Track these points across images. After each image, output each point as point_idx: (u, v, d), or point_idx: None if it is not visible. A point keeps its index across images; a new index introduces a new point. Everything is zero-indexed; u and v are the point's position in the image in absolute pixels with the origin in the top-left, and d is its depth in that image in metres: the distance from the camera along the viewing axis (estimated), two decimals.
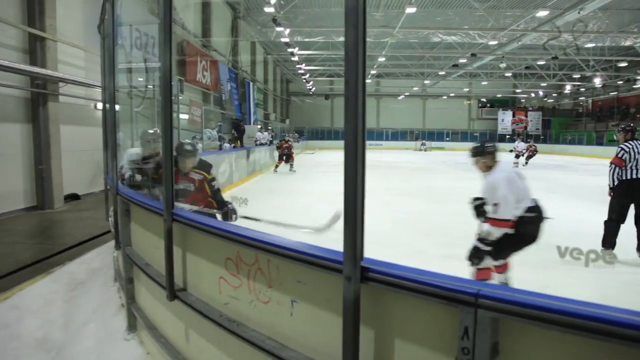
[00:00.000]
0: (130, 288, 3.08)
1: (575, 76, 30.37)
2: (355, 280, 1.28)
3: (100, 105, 9.21)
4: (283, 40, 19.01)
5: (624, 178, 5.19)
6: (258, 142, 17.45)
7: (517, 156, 18.90)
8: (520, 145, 19.33)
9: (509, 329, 1.07)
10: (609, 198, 5.34)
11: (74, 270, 4.51)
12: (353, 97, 1.24)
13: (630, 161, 5.15)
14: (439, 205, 8.88)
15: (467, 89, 39.91)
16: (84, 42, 9.32)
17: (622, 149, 5.23)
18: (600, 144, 31.35)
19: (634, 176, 5.13)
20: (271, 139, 19.43)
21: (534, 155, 19.36)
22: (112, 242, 4.08)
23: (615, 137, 5.76)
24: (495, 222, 3.25)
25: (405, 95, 39.57)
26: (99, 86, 8.37)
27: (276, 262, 1.66)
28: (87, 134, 9.52)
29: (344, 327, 1.30)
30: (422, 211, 8.05)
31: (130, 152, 4.33)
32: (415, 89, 37.65)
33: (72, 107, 9.14)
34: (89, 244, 5.64)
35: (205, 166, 3.79)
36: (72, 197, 9.13)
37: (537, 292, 1.04)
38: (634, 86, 30.77)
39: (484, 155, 3.46)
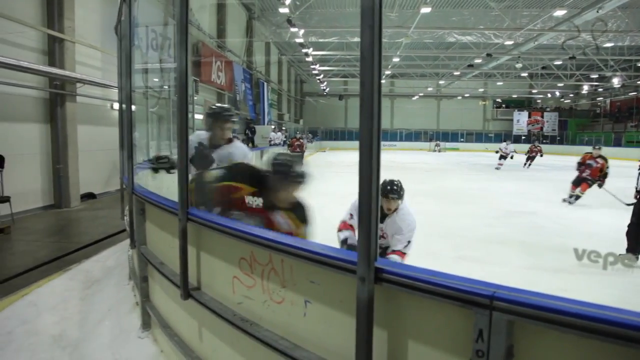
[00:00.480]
0: (145, 286, 3.11)
1: (593, 76, 29.88)
2: (369, 281, 1.27)
3: (116, 106, 9.33)
4: (297, 40, 19.06)
5: None
6: (272, 142, 17.52)
7: (502, 157, 18.28)
8: (510, 147, 18.60)
9: (525, 332, 1.06)
10: (634, 200, 5.21)
11: (90, 268, 4.58)
12: (368, 99, 1.24)
13: None
14: (453, 206, 8.82)
15: (482, 90, 39.59)
16: (101, 43, 9.45)
17: None
18: (618, 145, 30.84)
19: None
20: (285, 139, 19.49)
21: (536, 157, 18.71)
22: (127, 241, 4.13)
23: None
24: (404, 256, 3.37)
25: (420, 96, 39.36)
26: (115, 87, 8.49)
27: (290, 262, 1.66)
28: (104, 134, 9.66)
29: (357, 328, 1.29)
30: (437, 212, 8.00)
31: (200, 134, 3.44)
32: (429, 89, 37.42)
33: (89, 107, 9.28)
34: (105, 242, 5.71)
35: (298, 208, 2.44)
36: (89, 196, 9.27)
37: (554, 295, 1.02)
38: None
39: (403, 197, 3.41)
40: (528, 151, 18.92)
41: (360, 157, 1.27)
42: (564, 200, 8.94)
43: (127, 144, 3.78)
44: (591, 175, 8.53)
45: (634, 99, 33.26)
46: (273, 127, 20.16)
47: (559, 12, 16.00)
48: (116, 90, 7.99)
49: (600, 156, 8.73)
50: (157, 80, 8.56)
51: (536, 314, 1.00)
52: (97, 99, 9.46)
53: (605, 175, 8.59)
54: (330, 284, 1.53)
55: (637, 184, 5.17)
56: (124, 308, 3.53)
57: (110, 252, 5.19)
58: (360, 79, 1.25)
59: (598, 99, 38.23)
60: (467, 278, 1.19)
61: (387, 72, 32.70)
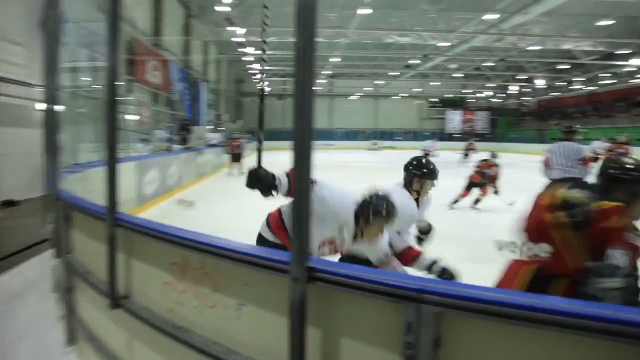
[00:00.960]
0: (70, 299, 2.91)
1: (520, 77, 31.68)
2: (302, 281, 1.27)
3: (41, 106, 8.73)
4: (236, 40, 18.74)
5: (551, 178, 5.46)
6: (209, 143, 17.10)
7: (427, 156, 18.83)
8: (437, 145, 18.83)
9: (452, 322, 1.09)
10: None
11: (8, 282, 4.24)
12: (301, 97, 1.23)
13: (555, 162, 5.42)
14: None
15: (419, 90, 40.76)
16: (25, 39, 8.80)
17: (550, 149, 5.52)
18: (542, 142, 32.86)
19: (560, 176, 5.36)
20: (223, 140, 19.09)
21: (469, 154, 19.62)
22: (51, 251, 3.87)
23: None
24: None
25: (360, 96, 39.97)
26: (40, 86, 7.93)
27: (223, 266, 1.62)
28: (26, 137, 8.98)
29: (290, 328, 1.28)
30: None
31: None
32: (368, 89, 38.09)
33: (10, 107, 8.61)
34: (26, 253, 5.28)
35: None
36: (8, 204, 8.57)
37: (477, 286, 1.07)
38: (571, 87, 32.64)
39: None
40: (465, 148, 19.99)
41: (294, 157, 1.27)
42: (452, 208, 8.49)
43: (51, 147, 3.54)
44: (489, 182, 8.85)
45: (556, 99, 35.70)
46: (211, 127, 19.70)
47: (490, 17, 16.81)
48: (41, 90, 7.48)
49: (495, 165, 9.11)
50: (87, 79, 8.12)
51: (461, 305, 1.03)
52: (19, 98, 8.80)
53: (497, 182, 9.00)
54: (264, 286, 1.51)
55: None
56: (47, 323, 3.29)
57: (32, 264, 4.82)
58: (294, 79, 1.24)
59: (522, 98, 40.63)
60: (398, 274, 1.20)
61: (327, 72, 32.96)
